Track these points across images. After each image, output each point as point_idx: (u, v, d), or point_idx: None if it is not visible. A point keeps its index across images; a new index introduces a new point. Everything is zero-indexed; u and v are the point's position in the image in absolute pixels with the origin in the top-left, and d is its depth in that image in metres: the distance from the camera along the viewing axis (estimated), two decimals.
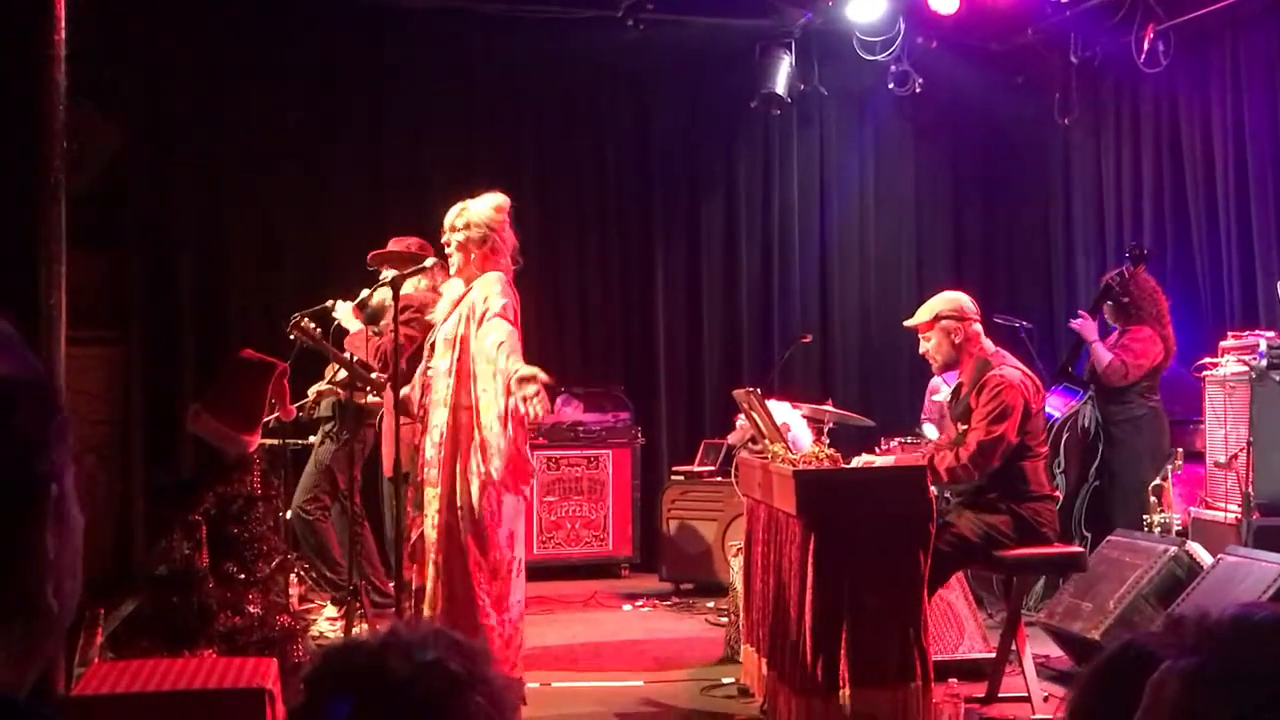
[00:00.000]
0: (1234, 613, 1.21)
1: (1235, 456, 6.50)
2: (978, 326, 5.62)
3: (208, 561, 5.02)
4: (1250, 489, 6.32)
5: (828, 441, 5.81)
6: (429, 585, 5.20)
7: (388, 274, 6.16)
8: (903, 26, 9.18)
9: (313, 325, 6.34)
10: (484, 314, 5.16)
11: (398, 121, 9.30)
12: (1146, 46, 8.25)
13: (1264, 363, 6.42)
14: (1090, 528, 7.39)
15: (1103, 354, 7.49)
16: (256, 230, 9.07)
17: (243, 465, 5.26)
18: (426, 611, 5.15)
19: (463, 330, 5.21)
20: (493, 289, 5.23)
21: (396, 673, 1.29)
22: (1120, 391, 7.46)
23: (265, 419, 5.63)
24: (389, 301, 5.71)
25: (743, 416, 6.38)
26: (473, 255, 5.30)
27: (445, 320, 5.34)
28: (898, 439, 7.55)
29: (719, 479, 8.29)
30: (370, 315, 6.52)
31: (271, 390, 5.47)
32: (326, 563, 7.24)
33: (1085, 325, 7.62)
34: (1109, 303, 7.62)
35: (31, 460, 1.10)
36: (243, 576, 5.09)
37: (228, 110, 8.86)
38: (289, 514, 6.96)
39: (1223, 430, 6.73)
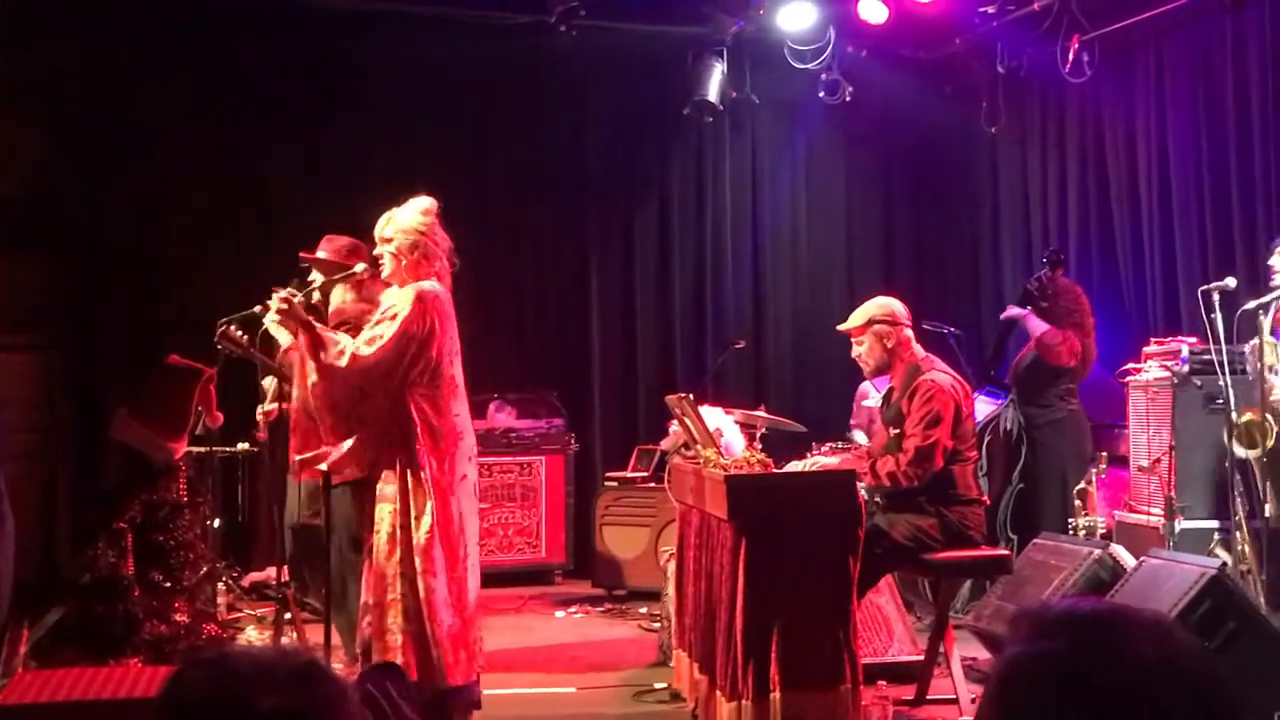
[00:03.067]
0: (1065, 606, 1.21)
1: (1158, 461, 6.62)
2: (909, 332, 5.67)
3: (133, 570, 4.97)
4: (1173, 492, 6.43)
5: (760, 447, 5.83)
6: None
7: (318, 278, 6.07)
8: (833, 35, 9.25)
9: (240, 333, 6.20)
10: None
11: (332, 124, 9.21)
12: (1071, 57, 8.36)
13: (1186, 368, 6.54)
14: (1015, 530, 7.48)
15: (1037, 324, 7.58)
16: (187, 235, 8.97)
17: (169, 472, 5.22)
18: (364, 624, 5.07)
19: None
20: (404, 299, 5.13)
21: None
22: (1041, 395, 7.58)
23: (191, 425, 5.57)
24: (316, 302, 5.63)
25: (676, 422, 6.39)
26: (403, 262, 5.25)
27: None
28: (829, 444, 7.59)
29: (652, 485, 8.30)
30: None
31: (198, 397, 5.42)
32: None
33: (1014, 310, 7.75)
34: (1030, 307, 7.72)
35: None
36: (169, 585, 5.06)
37: (161, 113, 8.77)
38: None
39: (1146, 435, 6.84)
